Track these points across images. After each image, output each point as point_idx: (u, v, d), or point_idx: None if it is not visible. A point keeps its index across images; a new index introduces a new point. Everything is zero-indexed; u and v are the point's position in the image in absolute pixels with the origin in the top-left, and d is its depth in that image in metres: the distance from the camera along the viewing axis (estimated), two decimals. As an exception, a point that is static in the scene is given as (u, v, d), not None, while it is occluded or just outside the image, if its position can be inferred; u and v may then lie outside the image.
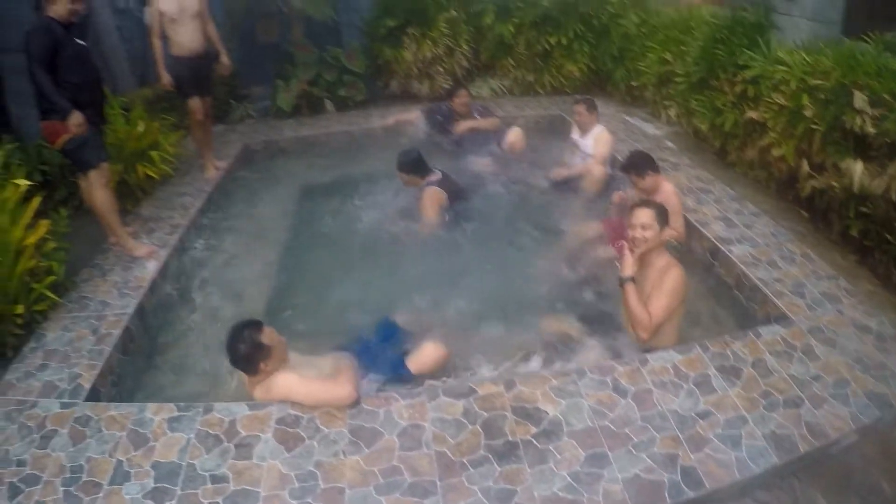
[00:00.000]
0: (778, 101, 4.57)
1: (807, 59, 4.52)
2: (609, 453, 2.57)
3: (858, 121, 3.88)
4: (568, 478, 2.47)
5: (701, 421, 2.70)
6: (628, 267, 3.20)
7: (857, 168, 3.89)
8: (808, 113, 4.27)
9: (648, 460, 2.53)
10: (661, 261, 3.24)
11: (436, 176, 4.90)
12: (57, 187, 5.02)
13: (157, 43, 5.42)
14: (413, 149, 5.01)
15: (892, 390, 2.79)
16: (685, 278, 3.24)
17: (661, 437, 2.63)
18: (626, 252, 3.24)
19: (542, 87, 7.72)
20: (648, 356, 3.10)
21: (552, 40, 7.47)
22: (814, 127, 4.22)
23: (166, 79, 5.46)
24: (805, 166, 4.37)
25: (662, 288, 3.16)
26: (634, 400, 2.84)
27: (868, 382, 2.84)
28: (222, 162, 6.11)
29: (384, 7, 7.51)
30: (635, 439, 2.63)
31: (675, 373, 2.98)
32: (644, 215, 3.21)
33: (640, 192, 4.08)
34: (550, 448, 2.60)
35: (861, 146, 3.96)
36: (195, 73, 5.52)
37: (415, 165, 4.87)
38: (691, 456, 2.54)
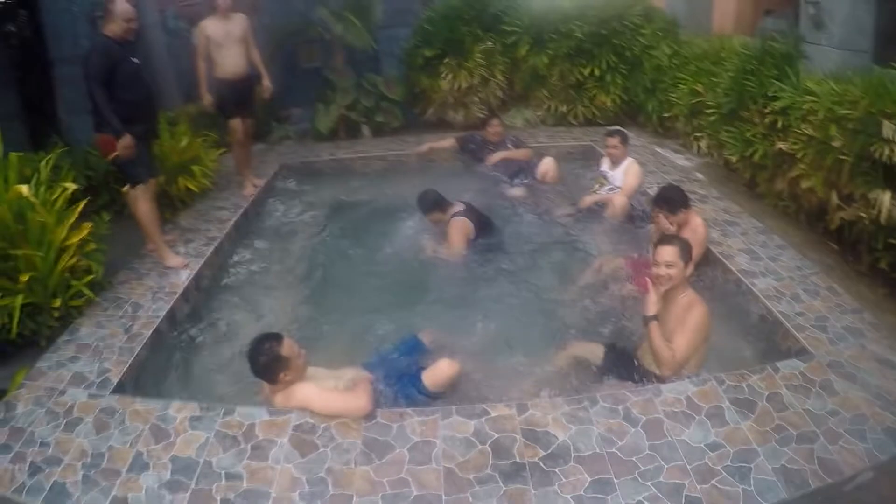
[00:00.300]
0: (806, 131, 4.52)
1: (835, 88, 4.48)
2: (615, 480, 2.57)
3: (887, 150, 3.83)
4: (571, 501, 2.48)
5: (710, 453, 2.67)
6: (652, 305, 3.20)
7: (885, 199, 3.83)
8: (836, 143, 4.22)
9: (654, 489, 2.52)
10: (685, 298, 3.23)
11: (459, 207, 5.00)
12: (100, 192, 5.30)
13: (201, 65, 5.65)
14: (429, 190, 5.13)
15: None
16: (708, 315, 3.21)
17: (668, 467, 2.61)
18: (651, 290, 3.25)
19: (574, 118, 7.78)
20: (662, 387, 3.08)
21: (585, 72, 7.55)
22: (842, 157, 4.17)
23: (208, 100, 5.72)
24: (834, 198, 4.30)
25: (686, 325, 3.15)
26: (644, 429, 2.82)
27: (887, 419, 2.77)
28: (260, 179, 6.34)
29: (422, 37, 7.71)
30: (642, 467, 2.62)
31: (688, 404, 2.95)
32: (668, 253, 3.20)
33: (670, 226, 4.07)
34: (556, 471, 2.62)
35: (890, 176, 3.90)
36: (237, 95, 5.77)
37: (436, 204, 5.01)
38: (697, 487, 2.51)
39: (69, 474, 2.71)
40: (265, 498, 2.56)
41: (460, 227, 4.89)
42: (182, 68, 7.69)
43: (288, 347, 2.97)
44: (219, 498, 2.56)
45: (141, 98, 4.43)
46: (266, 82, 6.01)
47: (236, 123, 5.88)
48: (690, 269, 3.26)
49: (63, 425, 3.00)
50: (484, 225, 5.05)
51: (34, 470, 2.75)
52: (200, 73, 5.68)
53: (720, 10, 8.76)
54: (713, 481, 2.54)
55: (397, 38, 8.08)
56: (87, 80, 4.19)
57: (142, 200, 4.50)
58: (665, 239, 3.38)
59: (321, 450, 2.78)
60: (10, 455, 2.83)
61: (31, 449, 2.86)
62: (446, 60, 7.58)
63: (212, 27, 5.58)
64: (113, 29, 4.24)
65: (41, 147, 5.99)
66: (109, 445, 2.86)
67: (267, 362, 2.95)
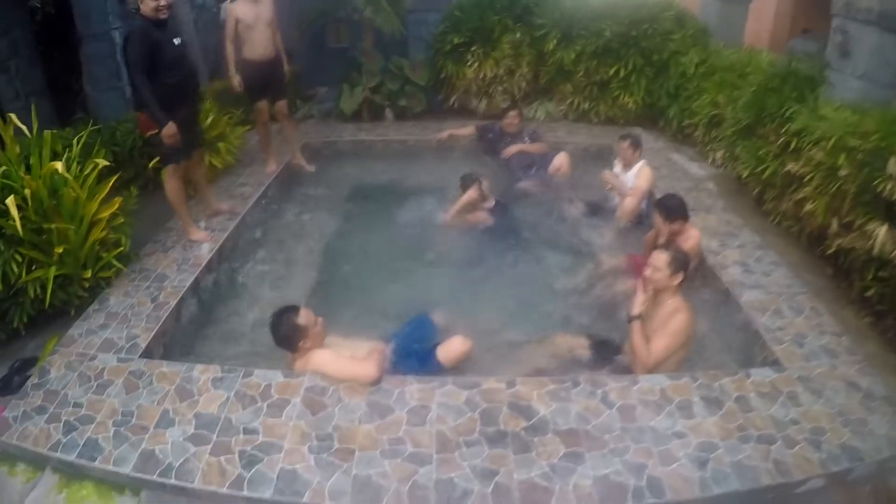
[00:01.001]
0: (816, 156, 4.64)
1: (850, 118, 4.60)
2: (586, 453, 2.83)
3: (890, 186, 3.94)
4: (546, 467, 2.75)
5: (675, 440, 2.90)
6: (637, 305, 3.41)
7: (881, 232, 3.95)
8: (843, 172, 4.34)
9: (620, 465, 2.76)
10: (673, 304, 3.39)
11: (490, 203, 5.32)
12: (125, 167, 5.46)
13: (229, 47, 5.70)
14: (475, 172, 5.41)
15: (867, 446, 2.89)
16: (691, 324, 3.39)
17: (636, 448, 2.86)
18: (639, 291, 3.44)
19: (596, 116, 7.86)
20: (640, 378, 3.30)
21: (611, 71, 7.60)
22: (847, 187, 4.30)
23: (236, 80, 5.80)
24: (835, 224, 4.42)
25: (666, 329, 3.34)
26: (619, 412, 3.06)
27: (844, 435, 2.95)
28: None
29: (452, 23, 7.78)
30: (612, 445, 2.87)
31: (661, 395, 3.17)
32: (658, 259, 3.40)
33: (665, 231, 4.27)
34: (535, 440, 2.89)
35: (890, 212, 4.01)
36: (265, 77, 5.87)
37: (472, 183, 5.32)
38: (659, 468, 2.74)
39: (101, 431, 2.98)
40: (278, 450, 2.85)
41: (468, 199, 5.31)
42: (208, 44, 7.85)
43: (305, 317, 3.24)
44: (237, 450, 2.86)
45: (182, 80, 4.44)
46: (286, 66, 6.10)
47: (263, 105, 5.98)
48: (678, 278, 3.38)
49: (94, 387, 3.26)
50: (507, 221, 5.42)
51: (69, 428, 3.01)
52: (229, 55, 5.74)
53: (754, 24, 8.81)
54: (674, 465, 2.77)
55: (426, 22, 8.18)
56: (129, 68, 4.24)
57: (172, 178, 4.63)
58: (663, 245, 3.56)
59: (329, 409, 3.08)
60: (46, 416, 3.09)
61: (65, 409, 3.12)
62: (474, 48, 7.66)
63: (242, 8, 5.62)
64: (144, 9, 4.21)
65: (67, 123, 6.22)
66: (138, 404, 3.13)
67: (287, 332, 3.23)
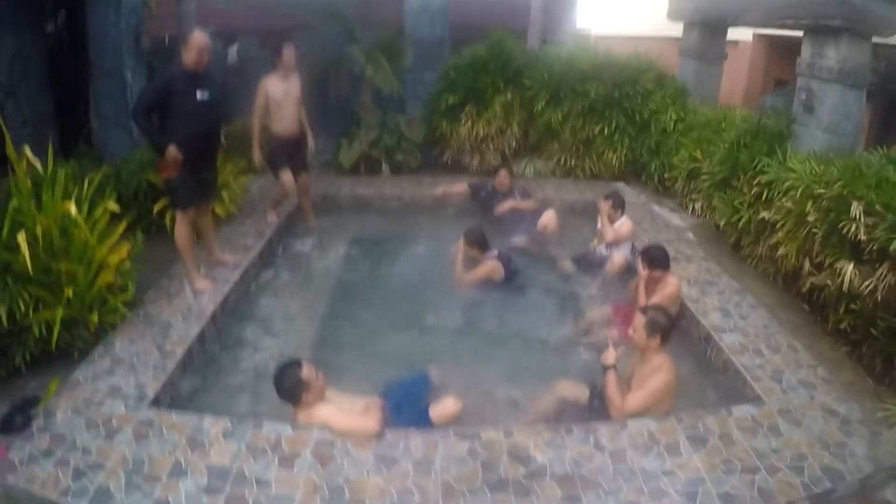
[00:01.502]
0: (786, 204, 4.99)
1: (816, 168, 4.97)
2: (581, 495, 2.98)
3: (853, 227, 4.28)
4: (546, 511, 2.89)
5: (664, 477, 3.07)
6: (610, 357, 3.63)
7: (848, 269, 4.26)
8: (811, 218, 4.68)
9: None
10: (657, 361, 3.54)
11: (493, 253, 5.52)
12: (129, 207, 5.53)
13: (257, 122, 5.91)
14: (479, 226, 5.63)
15: (848, 467, 3.11)
16: (669, 383, 3.54)
17: (628, 488, 3.02)
18: (611, 345, 3.68)
19: (582, 172, 8.23)
20: (629, 422, 3.48)
21: (596, 129, 8.01)
22: (815, 230, 4.63)
23: (259, 155, 6.01)
24: (807, 264, 4.74)
25: (645, 386, 3.52)
26: (610, 455, 3.24)
27: (825, 458, 3.17)
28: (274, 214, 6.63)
29: (447, 84, 8.19)
30: (606, 487, 3.03)
31: (649, 437, 3.36)
32: (637, 320, 3.59)
33: (648, 280, 4.55)
34: (534, 486, 3.04)
35: (855, 250, 4.34)
36: (290, 151, 6.10)
37: (480, 241, 5.51)
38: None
39: (112, 478, 2.99)
40: (291, 501, 2.93)
41: (492, 269, 5.44)
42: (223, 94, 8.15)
43: (307, 371, 3.37)
44: (251, 501, 2.92)
45: (204, 133, 4.57)
46: (311, 142, 6.33)
47: (288, 177, 6.09)
48: (655, 341, 3.52)
49: (103, 434, 3.27)
50: (511, 273, 5.56)
51: (78, 474, 3.01)
52: (256, 130, 5.94)
53: (729, 80, 9.33)
54: (664, 501, 2.94)
55: (423, 81, 8.55)
56: (136, 101, 4.44)
57: (180, 225, 4.74)
58: (646, 309, 3.70)
59: (339, 461, 3.16)
60: (54, 460, 3.09)
61: (74, 455, 3.12)
62: (467, 108, 8.06)
63: (273, 86, 5.82)
64: (185, 59, 4.38)
65: (71, 154, 6.29)
66: (149, 453, 3.15)
67: (290, 386, 3.35)
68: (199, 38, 4.44)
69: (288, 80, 5.92)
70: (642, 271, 4.55)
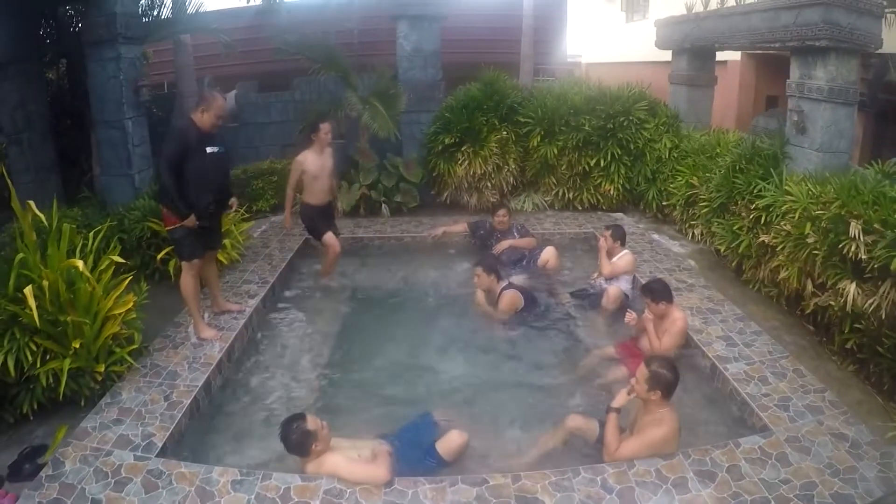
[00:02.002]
0: (785, 227, 4.97)
1: (812, 189, 4.96)
2: (591, 537, 2.89)
3: (853, 247, 4.24)
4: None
5: (673, 516, 2.99)
6: (618, 400, 3.56)
7: (851, 289, 4.21)
8: (810, 240, 4.65)
9: (623, 545, 2.84)
10: (659, 415, 3.43)
11: (505, 282, 5.56)
12: (132, 256, 5.58)
13: (290, 193, 6.17)
14: (490, 255, 5.69)
15: (858, 491, 3.03)
16: (668, 439, 3.43)
17: (637, 527, 2.94)
18: (623, 391, 3.59)
19: (580, 204, 8.27)
20: (636, 460, 3.40)
21: (592, 162, 8.09)
22: (815, 252, 4.59)
23: (289, 223, 6.28)
24: (809, 286, 4.70)
25: (643, 437, 3.44)
26: (618, 496, 3.17)
27: (835, 485, 3.10)
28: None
29: (443, 124, 8.31)
30: (614, 527, 2.94)
31: (657, 475, 3.29)
32: (640, 371, 3.49)
33: (653, 313, 4.51)
34: (544, 531, 2.95)
35: (857, 269, 4.29)
36: (325, 216, 6.33)
37: (495, 269, 5.57)
38: (660, 543, 2.83)
39: None
40: None
41: (514, 297, 5.47)
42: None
43: (312, 422, 3.35)
44: None
45: (206, 187, 4.62)
46: (339, 206, 6.61)
47: (331, 238, 6.27)
48: (655, 395, 3.40)
49: (112, 484, 3.27)
50: (530, 301, 5.59)
51: None
52: (288, 200, 6.19)
53: (721, 101, 9.39)
54: (674, 539, 2.85)
55: (419, 122, 8.67)
56: (161, 161, 4.49)
57: (185, 275, 4.78)
58: (649, 360, 3.57)
59: None
60: None
61: None
62: (464, 148, 8.14)
63: (311, 162, 6.08)
64: (203, 119, 4.46)
65: (74, 201, 6.37)
66: None
67: (298, 439, 3.33)
68: (221, 104, 4.56)
69: (323, 155, 6.18)
70: (649, 313, 4.52)
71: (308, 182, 6.11)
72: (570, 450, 3.76)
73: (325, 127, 6.09)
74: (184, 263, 4.80)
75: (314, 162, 6.07)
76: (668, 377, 3.39)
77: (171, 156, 4.43)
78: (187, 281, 4.79)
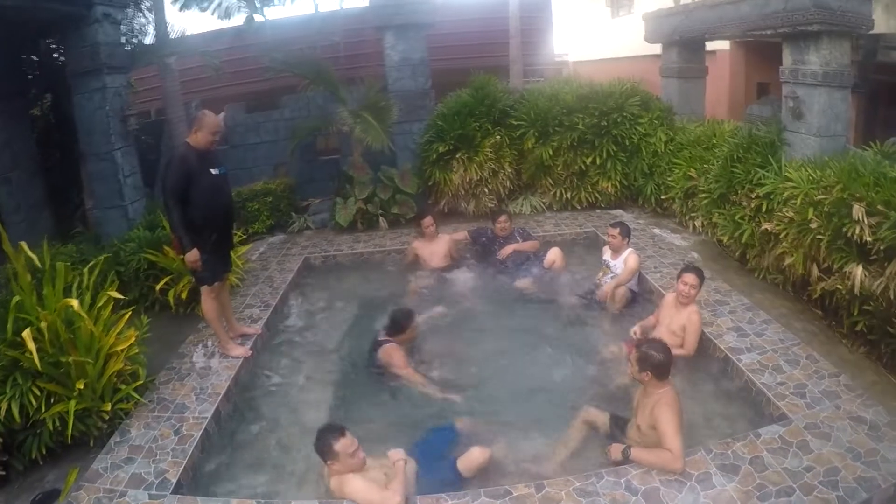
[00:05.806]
0: (788, 214, 4.94)
1: (813, 174, 4.93)
2: (620, 541, 2.84)
3: (858, 230, 4.22)
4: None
5: (699, 513, 2.94)
6: (614, 454, 3.50)
7: (857, 272, 4.19)
8: (814, 225, 4.62)
9: (651, 544, 2.79)
10: (657, 395, 3.45)
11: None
12: (130, 287, 5.53)
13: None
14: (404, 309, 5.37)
15: (881, 472, 3.02)
16: (674, 407, 3.39)
17: (664, 527, 2.89)
18: (615, 445, 3.55)
19: (578, 203, 8.23)
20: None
21: (587, 160, 8.05)
22: (819, 237, 4.56)
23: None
24: (815, 271, 4.68)
25: (661, 423, 3.34)
26: (643, 496, 3.13)
27: (858, 469, 3.08)
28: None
29: (436, 133, 8.24)
30: (642, 529, 2.89)
31: (681, 473, 3.23)
32: (632, 354, 3.61)
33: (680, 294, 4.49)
34: (571, 538, 2.89)
35: (862, 251, 4.28)
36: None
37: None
38: (688, 541, 2.78)
39: None
40: None
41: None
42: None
43: (343, 444, 3.30)
44: None
45: (217, 209, 4.59)
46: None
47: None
48: (646, 376, 3.48)
49: None
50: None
51: None
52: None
53: (712, 91, 9.37)
54: (701, 536, 2.80)
55: (411, 132, 8.63)
56: (164, 194, 4.38)
57: (207, 299, 4.77)
58: (640, 343, 3.65)
59: None
60: None
61: None
62: (458, 155, 8.08)
63: (421, 249, 6.81)
64: (198, 139, 4.40)
65: (67, 236, 6.29)
66: None
67: (320, 448, 3.33)
68: (214, 121, 4.51)
69: (434, 243, 6.79)
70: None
71: (422, 265, 6.74)
72: (589, 445, 3.76)
73: (426, 220, 6.74)
74: (204, 288, 4.75)
75: (424, 249, 6.75)
76: (656, 357, 3.46)
77: (175, 186, 4.34)
78: (209, 304, 4.78)
